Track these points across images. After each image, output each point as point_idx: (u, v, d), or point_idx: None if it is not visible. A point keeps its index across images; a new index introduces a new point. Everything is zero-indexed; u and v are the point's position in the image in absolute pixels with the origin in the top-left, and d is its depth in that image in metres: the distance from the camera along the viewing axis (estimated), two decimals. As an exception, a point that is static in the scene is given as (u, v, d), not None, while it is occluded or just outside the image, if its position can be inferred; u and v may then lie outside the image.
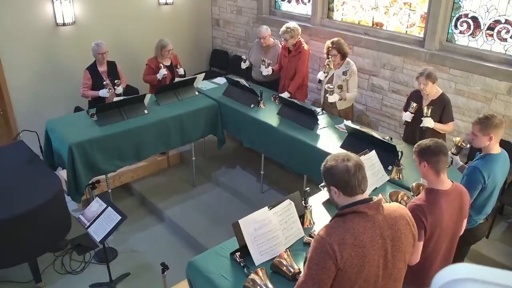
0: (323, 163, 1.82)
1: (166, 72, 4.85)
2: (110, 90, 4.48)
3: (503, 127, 2.75)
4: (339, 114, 4.42)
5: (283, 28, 4.70)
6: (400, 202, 2.69)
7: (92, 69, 4.65)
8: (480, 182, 2.70)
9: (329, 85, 4.22)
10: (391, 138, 3.84)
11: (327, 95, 4.22)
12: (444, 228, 2.29)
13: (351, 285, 1.71)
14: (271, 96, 4.70)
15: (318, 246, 1.70)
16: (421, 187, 2.82)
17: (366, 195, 1.79)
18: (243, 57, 5.11)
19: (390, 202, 2.63)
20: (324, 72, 4.39)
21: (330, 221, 1.80)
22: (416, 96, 3.71)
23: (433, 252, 2.35)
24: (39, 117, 4.81)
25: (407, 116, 3.65)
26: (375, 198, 1.79)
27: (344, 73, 4.29)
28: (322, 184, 2.35)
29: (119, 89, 4.60)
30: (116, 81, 4.58)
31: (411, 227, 1.86)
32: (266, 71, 4.84)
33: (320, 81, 4.49)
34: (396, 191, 2.82)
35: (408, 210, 2.23)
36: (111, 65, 4.77)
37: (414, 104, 3.59)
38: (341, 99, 4.30)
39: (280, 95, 4.67)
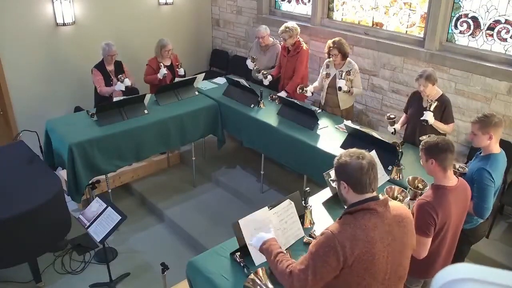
0: (337, 158, 1.82)
1: (166, 72, 4.86)
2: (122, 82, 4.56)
3: (502, 126, 2.75)
4: (341, 114, 4.42)
5: (282, 27, 4.69)
6: (396, 198, 2.69)
7: (100, 67, 4.69)
8: (492, 183, 2.68)
9: (342, 70, 4.24)
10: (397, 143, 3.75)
11: (337, 79, 4.22)
12: (451, 223, 2.32)
13: (359, 281, 1.72)
14: (269, 95, 4.71)
15: (326, 241, 1.70)
16: (416, 180, 2.83)
17: (375, 193, 1.80)
18: (251, 56, 5.01)
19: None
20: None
21: (340, 218, 1.80)
22: (417, 97, 3.71)
23: (439, 246, 2.39)
24: (39, 117, 4.81)
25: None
26: (381, 196, 1.80)
27: (348, 73, 4.28)
28: (332, 177, 2.36)
29: (127, 81, 4.64)
30: (119, 76, 4.63)
31: (413, 226, 1.90)
32: (267, 81, 4.84)
33: (312, 93, 4.55)
34: (391, 187, 2.81)
35: (419, 207, 2.27)
36: (118, 65, 4.81)
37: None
38: (349, 90, 4.28)
39: (278, 94, 4.68)
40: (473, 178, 2.71)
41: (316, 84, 4.58)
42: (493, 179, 2.66)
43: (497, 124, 2.70)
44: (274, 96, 4.68)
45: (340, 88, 4.20)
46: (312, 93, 4.54)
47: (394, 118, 3.81)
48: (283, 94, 4.70)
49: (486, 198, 2.65)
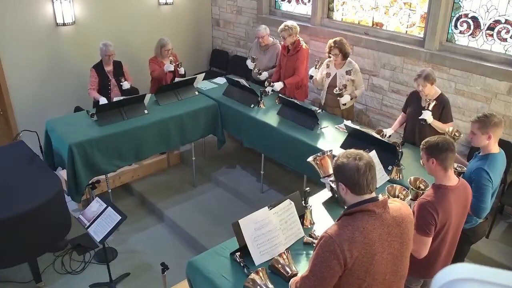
0: (335, 159, 1.83)
1: (173, 65, 4.87)
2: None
3: (501, 126, 2.75)
4: (342, 114, 4.42)
5: (281, 26, 4.68)
6: (398, 197, 2.69)
7: (99, 68, 4.68)
8: (490, 183, 2.68)
9: (337, 88, 4.20)
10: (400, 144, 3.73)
11: (338, 98, 4.21)
12: (451, 222, 2.33)
13: (359, 283, 1.72)
14: (271, 94, 4.69)
15: (325, 244, 1.70)
16: (418, 181, 2.83)
17: (373, 194, 1.79)
18: (251, 56, 4.99)
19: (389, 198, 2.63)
20: (316, 68, 4.40)
21: (338, 220, 1.80)
22: (415, 96, 3.71)
23: (440, 245, 2.39)
24: (39, 117, 4.81)
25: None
26: (380, 197, 1.79)
27: (348, 73, 4.28)
28: (331, 178, 2.36)
29: (126, 84, 4.66)
30: (120, 77, 4.64)
31: (413, 225, 1.90)
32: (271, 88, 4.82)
33: (311, 77, 4.47)
34: (392, 186, 2.81)
35: (419, 206, 2.27)
36: (117, 65, 4.80)
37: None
38: (352, 99, 4.30)
39: (274, 84, 4.66)
40: (471, 177, 2.71)
41: (317, 76, 4.51)
42: (491, 179, 2.67)
43: (496, 124, 2.70)
44: (267, 91, 4.63)
45: (345, 104, 4.29)
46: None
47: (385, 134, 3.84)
48: (279, 84, 4.69)
49: (484, 198, 2.65)
